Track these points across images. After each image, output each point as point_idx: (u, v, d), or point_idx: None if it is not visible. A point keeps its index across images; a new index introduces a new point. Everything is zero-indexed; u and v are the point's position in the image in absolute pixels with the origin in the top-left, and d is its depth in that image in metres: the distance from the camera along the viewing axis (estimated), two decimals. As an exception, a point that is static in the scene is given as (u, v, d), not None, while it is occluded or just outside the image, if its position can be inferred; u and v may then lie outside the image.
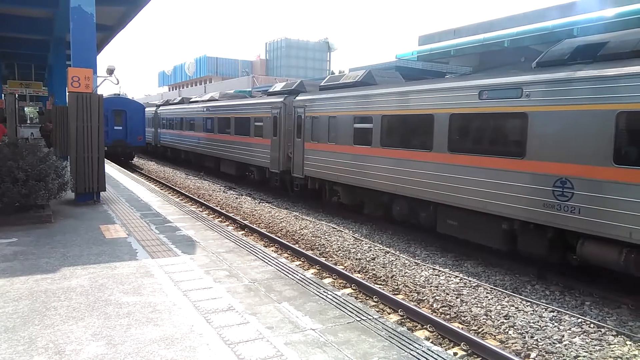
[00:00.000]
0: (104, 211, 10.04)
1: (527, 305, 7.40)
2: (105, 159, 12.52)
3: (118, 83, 16.53)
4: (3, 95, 28.44)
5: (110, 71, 11.59)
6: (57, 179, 9.22)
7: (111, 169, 19.11)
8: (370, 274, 9.18)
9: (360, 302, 7.35)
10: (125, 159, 28.13)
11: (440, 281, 8.55)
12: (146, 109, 31.45)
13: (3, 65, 28.68)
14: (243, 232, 12.19)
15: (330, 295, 5.57)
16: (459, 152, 9.71)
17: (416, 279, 8.74)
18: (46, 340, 4.18)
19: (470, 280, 8.49)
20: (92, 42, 10.84)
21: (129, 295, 5.27)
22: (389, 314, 7.32)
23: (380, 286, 8.45)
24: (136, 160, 31.23)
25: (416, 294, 8.11)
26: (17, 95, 26.78)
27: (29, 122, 48.52)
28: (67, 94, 18.26)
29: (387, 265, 9.55)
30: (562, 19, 10.98)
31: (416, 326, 6.87)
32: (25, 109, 46.52)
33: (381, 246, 10.79)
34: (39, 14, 17.10)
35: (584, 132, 7.52)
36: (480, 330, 6.77)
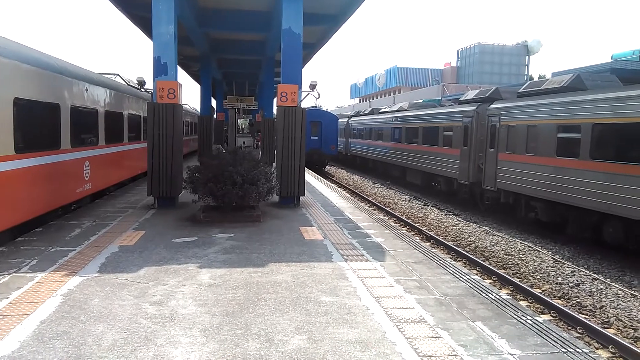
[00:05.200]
0: (302, 214, 10.95)
1: None
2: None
3: (319, 97, 17.92)
4: (223, 108, 33.25)
5: (313, 86, 12.62)
6: (266, 183, 10.35)
7: (307, 176, 20.72)
8: (574, 302, 8.21)
9: (564, 331, 6.62)
10: (318, 166, 30.21)
11: (667, 320, 7.22)
12: (339, 120, 33.37)
13: (225, 83, 33.58)
14: (429, 243, 12.05)
15: (530, 320, 5.15)
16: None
17: (632, 314, 7.54)
18: (258, 327, 4.72)
19: None
20: (298, 59, 11.95)
21: (326, 295, 5.64)
22: (597, 349, 6.46)
23: (586, 317, 7.50)
24: (328, 168, 33.29)
25: (632, 331, 6.99)
26: (236, 109, 30.96)
27: (242, 132, 55.65)
28: (274, 107, 20.50)
29: (595, 293, 8.44)
30: None
31: (634, 369, 5.92)
32: (239, 120, 53.43)
33: (587, 271, 9.58)
34: (254, 38, 19.63)
35: None
36: None
